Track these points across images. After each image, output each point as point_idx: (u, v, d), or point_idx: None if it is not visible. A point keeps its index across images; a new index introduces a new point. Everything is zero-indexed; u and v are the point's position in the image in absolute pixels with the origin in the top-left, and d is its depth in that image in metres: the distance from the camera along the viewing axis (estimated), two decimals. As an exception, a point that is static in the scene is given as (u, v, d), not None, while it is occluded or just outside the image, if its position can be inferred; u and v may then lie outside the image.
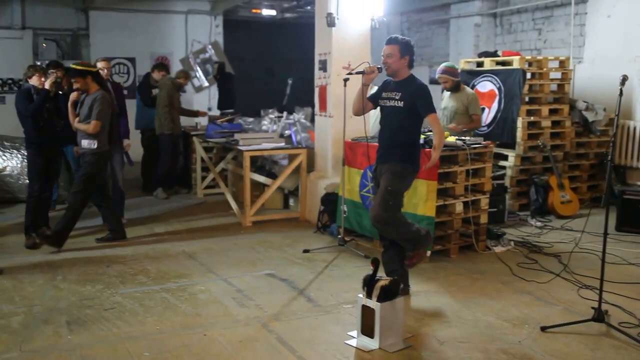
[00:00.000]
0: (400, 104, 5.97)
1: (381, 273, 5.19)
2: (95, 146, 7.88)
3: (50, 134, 8.19)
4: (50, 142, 8.26)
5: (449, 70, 8.59)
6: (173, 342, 5.15)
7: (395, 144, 6.02)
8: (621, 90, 5.32)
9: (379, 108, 6.33)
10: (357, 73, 6.31)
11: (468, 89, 8.90)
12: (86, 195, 8.08)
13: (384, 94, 6.15)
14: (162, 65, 11.49)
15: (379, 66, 6.11)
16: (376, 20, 8.97)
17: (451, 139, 7.56)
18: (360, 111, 6.35)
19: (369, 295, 5.01)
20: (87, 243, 8.23)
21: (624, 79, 5.38)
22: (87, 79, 7.92)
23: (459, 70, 9.16)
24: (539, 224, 9.14)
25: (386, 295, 4.97)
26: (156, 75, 10.99)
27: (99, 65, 9.09)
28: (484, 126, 10.18)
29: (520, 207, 9.92)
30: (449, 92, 8.79)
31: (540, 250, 7.79)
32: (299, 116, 11.92)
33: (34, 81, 8.07)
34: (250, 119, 12.51)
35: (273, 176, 9.77)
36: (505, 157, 10.08)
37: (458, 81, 8.68)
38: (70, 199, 8.14)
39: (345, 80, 7.73)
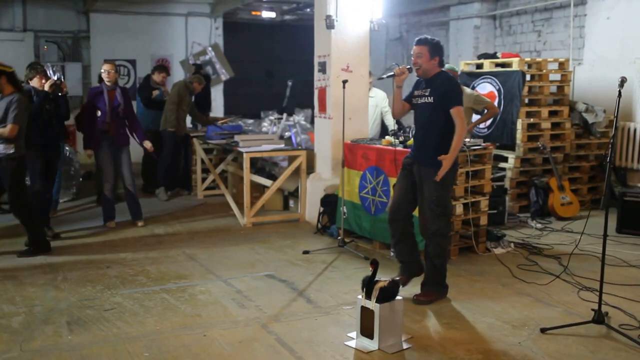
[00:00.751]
0: (430, 99, 6.01)
1: (380, 275, 5.17)
2: (12, 151, 7.37)
3: (49, 135, 8.20)
4: (50, 143, 8.27)
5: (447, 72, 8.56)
6: (173, 342, 5.15)
7: (430, 143, 6.01)
8: (620, 92, 5.31)
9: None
10: (388, 77, 6.34)
11: (467, 90, 8.92)
12: (23, 200, 7.65)
13: (416, 92, 6.20)
14: (162, 67, 11.50)
15: (409, 67, 6.17)
16: (375, 22, 8.97)
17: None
18: (401, 113, 6.41)
19: (368, 296, 5.01)
20: (87, 244, 8.23)
21: (623, 80, 5.36)
22: (1, 79, 7.35)
23: (459, 73, 9.17)
24: (539, 225, 9.14)
25: (385, 296, 4.97)
26: (156, 77, 11.01)
27: (104, 67, 9.01)
28: (483, 128, 10.19)
29: (520, 209, 9.93)
30: None
31: (541, 252, 7.79)
32: (299, 118, 11.95)
33: (35, 83, 8.08)
34: (251, 121, 12.56)
35: (273, 178, 9.78)
36: (505, 159, 10.09)
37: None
38: (15, 213, 7.83)
39: (344, 82, 7.77)
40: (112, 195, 9.14)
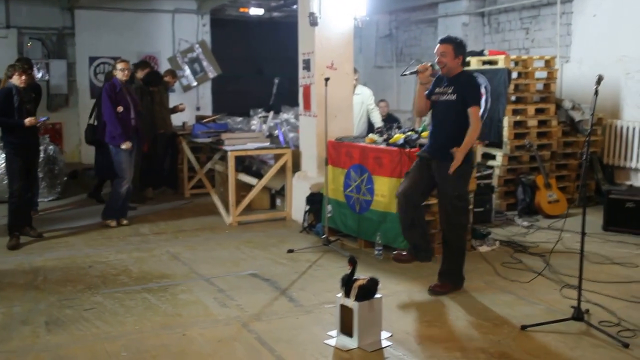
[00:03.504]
0: (453, 97, 6.05)
1: (359, 273, 5.15)
2: None
3: (29, 134, 8.14)
4: (29, 142, 8.22)
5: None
6: (152, 341, 5.12)
7: (452, 140, 6.02)
8: (596, 90, 5.31)
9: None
10: (412, 73, 6.37)
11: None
12: None
13: (437, 90, 6.22)
14: (144, 62, 11.37)
15: (431, 63, 6.23)
16: (359, 19, 8.95)
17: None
18: (423, 111, 6.50)
19: (347, 294, 4.99)
20: (70, 243, 8.19)
21: (600, 78, 5.36)
22: None
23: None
24: (525, 223, 9.12)
25: (364, 294, 4.95)
26: (140, 74, 10.92)
27: (119, 66, 9.00)
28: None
29: (507, 206, 9.91)
30: None
31: (526, 249, 7.78)
32: (288, 116, 11.91)
33: (15, 80, 8.02)
34: (239, 119, 12.49)
35: (260, 176, 9.74)
36: (493, 157, 10.06)
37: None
38: None
39: (327, 79, 7.75)
40: (127, 194, 9.13)
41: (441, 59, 6.07)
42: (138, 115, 9.14)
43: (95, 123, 10.15)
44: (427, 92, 6.30)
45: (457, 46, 6.08)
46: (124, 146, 8.78)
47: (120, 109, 8.82)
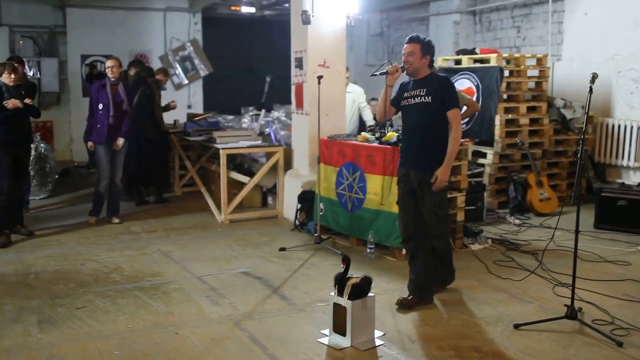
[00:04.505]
0: (428, 98, 5.73)
1: (351, 271, 5.14)
2: None
3: (18, 133, 8.10)
4: (19, 141, 8.17)
5: None
6: (144, 340, 5.11)
7: (429, 148, 5.78)
8: (591, 88, 5.29)
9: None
10: (382, 74, 6.04)
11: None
12: None
13: (406, 94, 5.90)
14: (137, 62, 11.35)
15: (402, 65, 5.91)
16: (352, 17, 8.94)
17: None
18: (386, 116, 6.18)
19: (340, 293, 4.98)
20: (62, 242, 8.16)
21: (594, 76, 5.35)
22: None
23: (437, 69, 9.13)
24: (517, 221, 9.14)
25: (357, 293, 4.94)
26: (132, 72, 10.88)
27: (107, 64, 8.99)
28: (462, 123, 10.15)
29: (499, 204, 9.92)
30: None
31: (518, 247, 7.80)
32: (279, 114, 11.90)
33: (4, 78, 7.98)
34: (231, 117, 12.48)
35: (252, 174, 9.72)
36: (484, 155, 10.07)
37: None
38: None
39: (319, 77, 7.73)
40: (105, 192, 9.12)
41: (408, 58, 5.81)
42: (121, 114, 9.00)
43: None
44: (392, 99, 6.02)
45: (424, 46, 5.81)
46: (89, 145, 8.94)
47: (100, 106, 8.79)
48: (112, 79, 8.96)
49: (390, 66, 5.89)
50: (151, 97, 10.40)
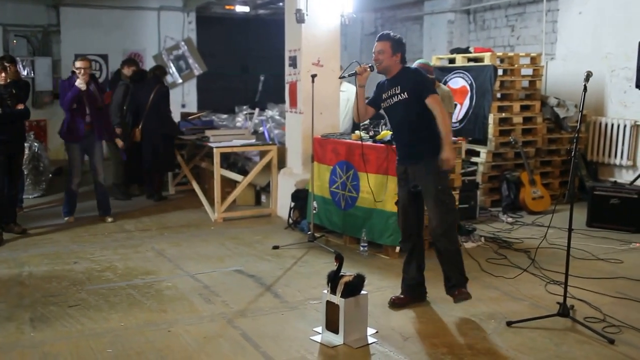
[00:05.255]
0: (405, 95, 5.69)
1: (344, 269, 5.15)
2: None
3: (11, 131, 8.09)
4: (12, 139, 8.16)
5: (422, 67, 8.41)
6: (137, 338, 5.11)
7: (420, 140, 5.73)
8: (585, 87, 5.30)
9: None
10: (350, 75, 6.06)
11: (443, 87, 8.72)
12: None
13: (384, 95, 5.87)
14: (131, 60, 11.33)
15: (370, 64, 5.87)
16: (346, 16, 8.95)
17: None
18: (364, 116, 6.09)
19: (333, 291, 4.99)
20: (56, 240, 8.16)
21: (588, 75, 5.36)
22: None
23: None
24: (510, 219, 9.16)
25: (350, 291, 4.95)
26: (126, 70, 10.87)
27: (77, 64, 8.69)
28: (455, 122, 10.17)
29: (492, 203, 9.95)
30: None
31: (510, 245, 7.81)
32: (273, 113, 11.90)
33: None
34: (225, 116, 12.47)
35: (246, 173, 9.72)
36: (477, 154, 10.09)
37: (433, 79, 8.55)
38: None
39: (313, 76, 7.73)
40: (77, 190, 9.10)
41: (378, 56, 5.74)
42: (97, 112, 8.95)
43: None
44: (369, 100, 6.01)
45: (395, 43, 5.73)
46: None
47: (74, 105, 8.74)
48: (81, 83, 8.62)
49: (358, 67, 5.86)
50: (166, 95, 10.46)
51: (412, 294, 5.91)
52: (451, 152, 5.61)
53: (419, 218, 5.96)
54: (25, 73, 13.95)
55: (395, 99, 5.77)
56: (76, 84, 8.54)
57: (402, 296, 5.91)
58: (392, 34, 5.85)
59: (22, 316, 5.56)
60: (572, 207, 5.46)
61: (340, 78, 6.59)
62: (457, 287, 5.75)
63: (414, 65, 7.74)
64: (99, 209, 9.24)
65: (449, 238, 5.76)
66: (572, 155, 5.40)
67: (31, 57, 14.64)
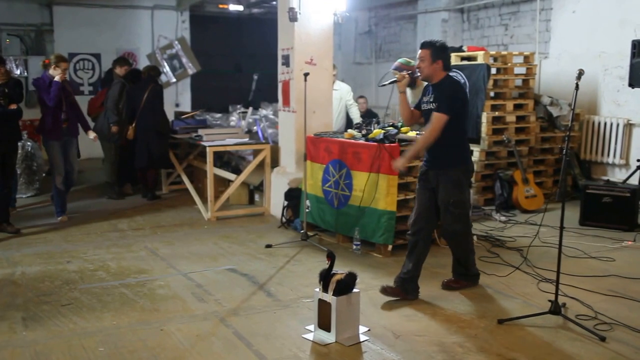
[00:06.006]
0: (434, 105, 5.83)
1: (337, 268, 5.15)
2: None
3: (5, 130, 8.08)
4: (5, 138, 8.15)
5: (401, 66, 8.40)
6: (129, 337, 5.10)
7: (442, 150, 5.88)
8: (577, 85, 5.31)
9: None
10: (390, 83, 6.28)
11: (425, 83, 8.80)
12: None
13: (424, 99, 6.05)
14: (122, 59, 11.31)
15: (409, 72, 6.08)
16: (339, 15, 8.95)
17: (412, 134, 7.55)
18: (410, 120, 6.32)
19: (325, 289, 4.99)
20: (49, 239, 8.15)
21: (580, 73, 5.37)
22: None
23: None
24: (503, 218, 9.18)
25: (342, 289, 4.95)
26: (118, 70, 10.85)
27: (62, 66, 8.74)
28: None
29: (485, 201, 9.97)
30: (409, 90, 8.75)
31: (503, 244, 7.83)
32: (267, 112, 11.89)
33: None
34: (219, 115, 12.46)
35: (239, 172, 9.73)
36: (470, 152, 10.07)
37: (416, 77, 8.58)
38: None
39: (306, 75, 7.74)
40: (63, 187, 9.08)
41: (419, 64, 5.90)
42: (72, 108, 9.01)
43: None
44: (416, 104, 6.23)
45: (435, 50, 5.83)
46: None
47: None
48: (60, 74, 8.69)
49: (398, 74, 6.11)
50: (160, 93, 10.49)
51: (402, 287, 5.96)
52: (402, 161, 6.04)
53: (430, 217, 6.06)
54: (18, 72, 13.94)
55: (429, 106, 5.94)
56: (56, 78, 8.59)
57: (392, 286, 5.99)
58: (434, 40, 5.96)
59: (14, 315, 5.55)
60: (563, 206, 5.49)
61: (380, 86, 6.76)
62: (455, 275, 6.26)
63: (394, 64, 7.81)
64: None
65: (456, 242, 6.16)
66: (564, 153, 5.43)
67: (24, 56, 14.61)
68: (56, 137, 8.81)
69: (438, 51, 5.84)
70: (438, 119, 5.74)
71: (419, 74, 6.05)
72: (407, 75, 6.08)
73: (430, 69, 5.86)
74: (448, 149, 5.87)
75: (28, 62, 14.54)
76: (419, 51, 5.91)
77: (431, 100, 5.89)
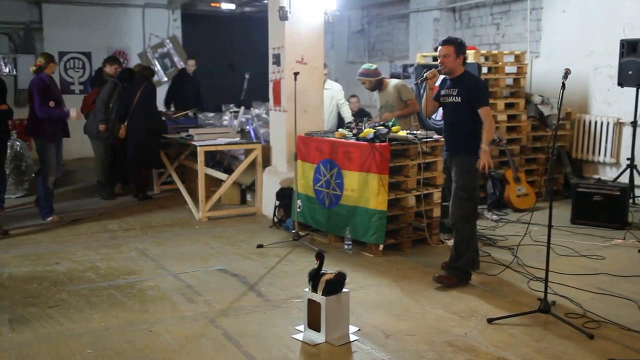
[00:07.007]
0: (458, 99, 6.33)
1: (329, 268, 5.14)
2: None
3: None
4: None
5: (364, 72, 8.77)
6: (117, 338, 5.08)
7: (458, 137, 6.39)
8: (563, 84, 5.32)
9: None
10: (422, 81, 6.59)
11: (393, 81, 8.93)
12: None
13: (443, 92, 6.53)
14: (113, 58, 11.28)
15: (438, 69, 6.42)
16: (330, 14, 8.93)
17: (402, 133, 7.55)
18: (433, 111, 6.88)
19: (314, 289, 4.98)
20: (37, 240, 8.10)
21: (567, 72, 5.38)
22: None
23: (398, 68, 9.15)
24: (495, 217, 9.17)
25: (331, 289, 4.94)
26: (108, 69, 10.81)
27: (52, 66, 8.90)
28: (440, 120, 10.15)
29: (477, 200, 9.94)
30: (377, 93, 8.87)
31: (494, 243, 7.82)
32: (259, 111, 11.85)
33: None
34: (211, 114, 12.42)
35: (231, 171, 9.69)
36: (462, 151, 10.08)
37: (380, 79, 8.80)
38: None
39: (296, 74, 7.73)
40: (53, 187, 9.10)
41: (443, 59, 6.31)
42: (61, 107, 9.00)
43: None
44: (435, 95, 6.62)
45: (458, 47, 6.31)
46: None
47: (52, 103, 8.70)
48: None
49: (428, 72, 6.43)
50: (153, 92, 10.46)
51: (458, 276, 6.33)
52: (484, 156, 6.20)
53: None
54: (7, 71, 13.88)
55: (450, 99, 6.45)
56: (72, 115, 8.95)
57: (449, 275, 6.35)
58: (454, 37, 6.51)
59: (1, 318, 5.51)
60: (551, 204, 5.51)
61: (414, 84, 7.66)
62: (448, 270, 6.41)
63: (360, 70, 8.73)
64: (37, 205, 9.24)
65: (457, 228, 6.45)
66: (551, 151, 5.45)
67: (13, 55, 14.53)
68: (54, 140, 8.79)
69: (460, 47, 6.35)
70: (486, 112, 6.25)
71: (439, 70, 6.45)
72: (437, 73, 6.44)
73: (454, 63, 6.34)
74: (466, 137, 6.33)
75: (17, 60, 14.43)
76: (440, 48, 6.37)
77: (454, 93, 6.38)
